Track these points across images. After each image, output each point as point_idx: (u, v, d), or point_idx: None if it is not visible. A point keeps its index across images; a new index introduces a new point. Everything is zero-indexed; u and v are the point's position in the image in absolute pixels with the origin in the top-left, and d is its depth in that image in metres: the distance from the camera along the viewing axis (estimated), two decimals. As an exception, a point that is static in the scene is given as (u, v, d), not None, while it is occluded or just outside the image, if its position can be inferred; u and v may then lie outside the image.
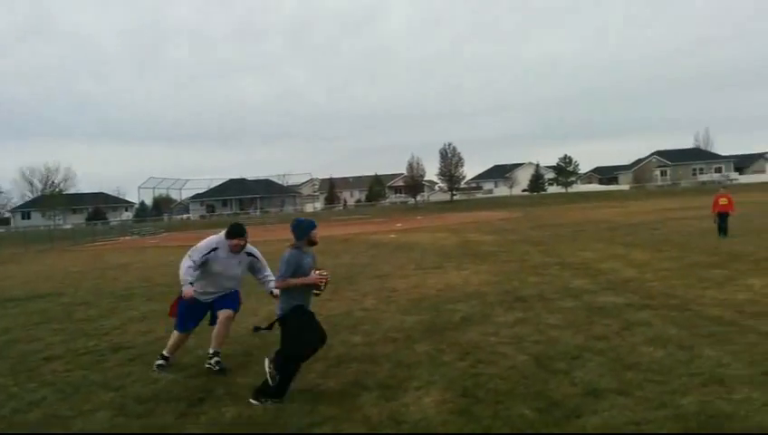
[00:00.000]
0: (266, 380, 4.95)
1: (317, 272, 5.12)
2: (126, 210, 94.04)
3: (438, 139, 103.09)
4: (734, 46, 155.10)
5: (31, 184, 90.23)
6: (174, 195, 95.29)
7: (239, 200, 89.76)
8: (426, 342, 6.66)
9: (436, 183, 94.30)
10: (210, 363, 5.96)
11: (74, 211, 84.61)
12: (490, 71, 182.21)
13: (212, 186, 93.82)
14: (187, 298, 5.77)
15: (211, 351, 6.01)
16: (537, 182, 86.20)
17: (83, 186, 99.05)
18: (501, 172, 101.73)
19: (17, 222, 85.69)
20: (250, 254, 6.16)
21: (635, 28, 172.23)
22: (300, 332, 5.01)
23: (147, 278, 15.51)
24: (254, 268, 6.24)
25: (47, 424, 4.81)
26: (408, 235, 27.72)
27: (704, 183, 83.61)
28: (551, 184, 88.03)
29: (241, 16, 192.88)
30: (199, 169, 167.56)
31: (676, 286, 9.19)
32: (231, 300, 6.15)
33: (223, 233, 6.02)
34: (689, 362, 5.24)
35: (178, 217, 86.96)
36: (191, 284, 5.78)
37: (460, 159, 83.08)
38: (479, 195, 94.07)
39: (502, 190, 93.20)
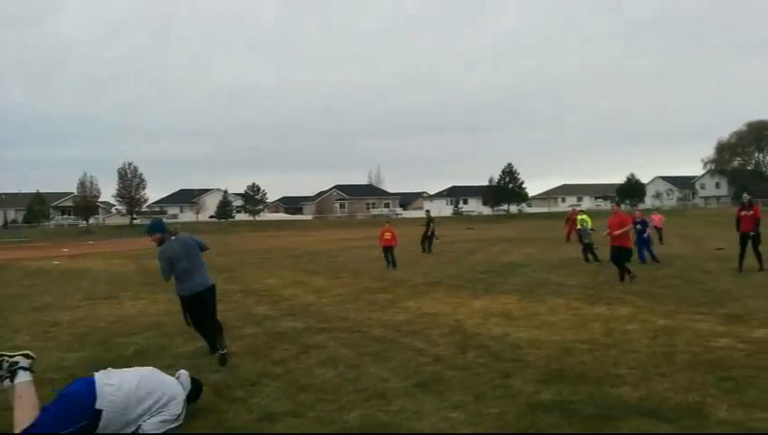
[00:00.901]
0: None
1: None
2: None
3: (114, 157, 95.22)
4: (398, 98, 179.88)
5: None
6: None
7: None
8: (90, 381, 5.92)
9: (114, 205, 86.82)
10: None
11: None
12: (176, 91, 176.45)
13: None
14: None
15: None
16: (225, 209, 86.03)
17: None
18: (187, 197, 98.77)
19: None
20: None
21: (315, 71, 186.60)
22: None
23: None
24: None
25: None
26: (76, 261, 24.76)
27: (375, 216, 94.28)
28: (239, 211, 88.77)
29: None
30: None
31: (349, 310, 10.01)
32: None
33: None
34: (356, 380, 5.70)
35: None
36: None
37: (142, 180, 78.33)
38: (163, 220, 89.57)
39: (188, 216, 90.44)
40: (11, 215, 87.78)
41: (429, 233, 24.01)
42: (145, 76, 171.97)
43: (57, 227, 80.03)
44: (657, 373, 5.48)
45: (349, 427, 4.47)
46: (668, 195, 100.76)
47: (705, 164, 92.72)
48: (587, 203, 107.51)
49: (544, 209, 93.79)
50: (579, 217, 23.50)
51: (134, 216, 79.46)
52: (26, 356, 4.33)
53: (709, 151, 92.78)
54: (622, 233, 12.13)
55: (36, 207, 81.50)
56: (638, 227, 16.44)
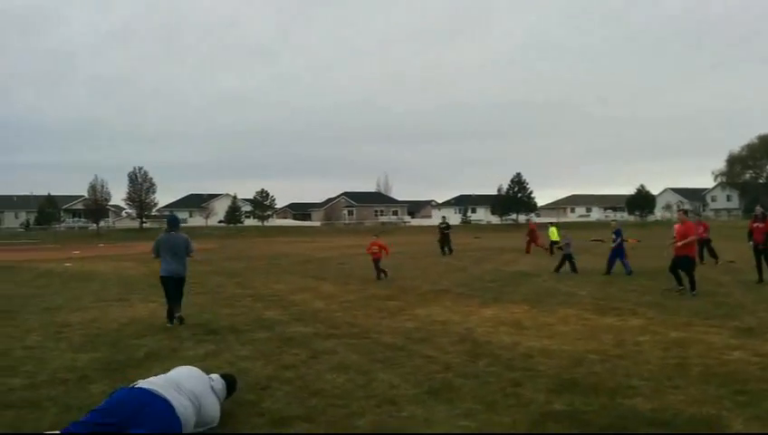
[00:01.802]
0: None
1: None
2: None
3: (125, 162, 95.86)
4: (407, 105, 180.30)
5: None
6: None
7: None
8: (103, 381, 5.95)
9: (124, 209, 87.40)
10: None
11: None
12: (184, 96, 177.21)
13: None
14: None
15: None
16: (234, 214, 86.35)
17: None
18: (197, 202, 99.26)
19: None
20: None
21: (324, 78, 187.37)
22: None
23: None
24: None
25: None
26: (86, 263, 24.92)
27: (383, 223, 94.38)
28: (247, 217, 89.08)
29: None
30: None
31: (358, 316, 10.01)
32: None
33: None
34: (366, 386, 5.69)
35: None
36: None
37: (152, 184, 78.88)
38: (179, 218, 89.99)
39: (197, 220, 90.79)
40: (22, 217, 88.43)
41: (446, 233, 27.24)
42: (152, 82, 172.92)
43: (68, 229, 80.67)
44: (670, 385, 5.44)
45: (360, 432, 4.47)
46: (679, 207, 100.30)
47: (716, 177, 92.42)
48: (596, 214, 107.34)
49: (553, 219, 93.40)
50: (550, 228, 24.84)
51: (144, 219, 79.91)
52: None
53: (720, 164, 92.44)
54: (686, 243, 11.94)
55: (47, 209, 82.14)
56: (613, 237, 16.95)
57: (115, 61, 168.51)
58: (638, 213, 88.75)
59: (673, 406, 4.86)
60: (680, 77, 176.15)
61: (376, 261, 16.84)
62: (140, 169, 78.78)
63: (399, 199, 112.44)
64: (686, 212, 13.22)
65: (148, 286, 15.30)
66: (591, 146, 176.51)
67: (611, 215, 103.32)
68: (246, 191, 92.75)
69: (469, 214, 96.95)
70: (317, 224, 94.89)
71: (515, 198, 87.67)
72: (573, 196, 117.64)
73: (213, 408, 4.64)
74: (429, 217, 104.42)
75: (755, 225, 13.59)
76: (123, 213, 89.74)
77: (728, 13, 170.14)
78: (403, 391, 5.47)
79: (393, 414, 4.85)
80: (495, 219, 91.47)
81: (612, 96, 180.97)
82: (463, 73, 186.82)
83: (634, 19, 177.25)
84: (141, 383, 4.39)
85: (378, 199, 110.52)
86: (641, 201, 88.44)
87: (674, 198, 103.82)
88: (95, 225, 77.35)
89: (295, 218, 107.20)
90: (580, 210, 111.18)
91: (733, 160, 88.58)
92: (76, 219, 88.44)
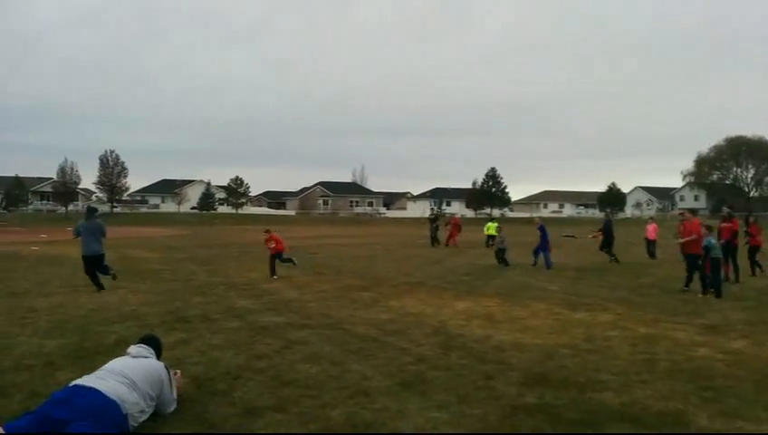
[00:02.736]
0: None
1: None
2: None
3: (96, 145, 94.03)
4: (385, 98, 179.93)
5: None
6: None
7: None
8: (70, 368, 5.83)
9: (94, 192, 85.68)
10: None
11: None
12: (158, 82, 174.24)
13: None
14: None
15: None
16: (207, 201, 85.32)
17: None
18: (170, 187, 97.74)
19: None
20: None
21: (304, 67, 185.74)
22: None
23: None
24: None
25: None
26: (55, 247, 24.39)
27: (358, 214, 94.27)
28: (221, 204, 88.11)
29: None
30: None
31: (332, 307, 9.98)
32: None
33: None
34: (339, 377, 5.67)
35: None
36: None
37: (123, 168, 77.49)
38: (144, 209, 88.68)
39: (170, 206, 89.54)
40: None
41: (435, 227, 28.09)
42: (127, 66, 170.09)
43: (35, 212, 78.78)
44: (638, 380, 5.53)
45: (332, 424, 4.45)
46: (648, 205, 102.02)
47: (685, 176, 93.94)
48: (568, 210, 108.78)
49: (526, 214, 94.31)
50: (489, 224, 26.20)
51: (114, 204, 78.52)
52: None
53: (689, 164, 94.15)
54: (690, 240, 12.07)
55: (15, 191, 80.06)
56: (540, 233, 17.80)
57: (90, 43, 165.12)
58: (608, 210, 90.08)
59: (641, 401, 4.94)
60: (655, 77, 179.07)
61: (273, 257, 15.16)
62: (112, 152, 77.43)
63: (375, 190, 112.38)
64: (692, 211, 13.52)
65: (118, 272, 15.03)
66: (565, 143, 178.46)
67: (583, 211, 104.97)
68: (221, 178, 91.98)
69: (444, 207, 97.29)
70: (292, 213, 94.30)
71: (490, 193, 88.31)
72: (546, 192, 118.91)
73: (150, 371, 4.54)
74: (404, 208, 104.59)
75: (723, 225, 13.94)
76: (93, 197, 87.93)
77: (705, 18, 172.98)
78: (376, 383, 5.47)
79: (366, 406, 4.83)
80: (470, 213, 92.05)
81: (586, 94, 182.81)
82: (442, 69, 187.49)
83: (612, 19, 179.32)
84: (74, 381, 4.31)
85: (353, 190, 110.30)
86: (612, 199, 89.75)
87: (643, 197, 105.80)
88: (64, 208, 75.74)
89: (270, 207, 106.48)
90: (553, 206, 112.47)
91: (701, 161, 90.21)
92: (44, 202, 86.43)
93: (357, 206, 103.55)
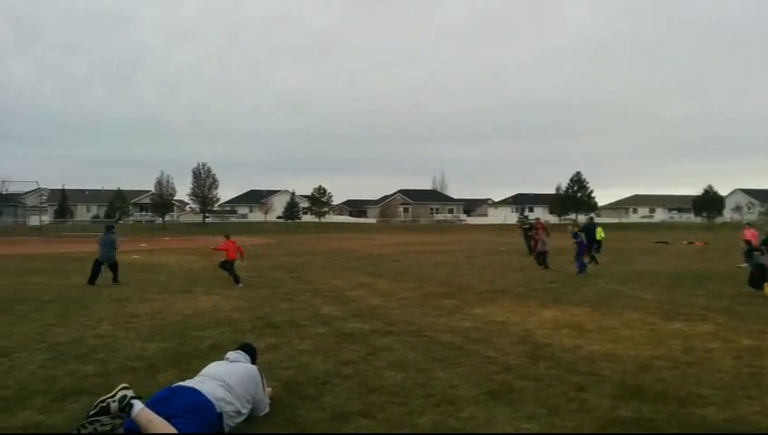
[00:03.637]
0: None
1: None
2: None
3: (188, 157, 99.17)
4: (463, 103, 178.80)
5: None
6: None
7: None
8: (170, 370, 6.16)
9: (188, 204, 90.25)
10: None
11: None
12: (240, 94, 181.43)
13: None
14: None
15: None
16: (292, 210, 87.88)
17: None
18: (257, 198, 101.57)
19: None
20: None
21: (381, 75, 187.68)
22: None
23: None
24: None
25: None
26: (153, 256, 25.87)
27: (438, 221, 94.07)
28: (305, 213, 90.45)
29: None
30: None
31: (415, 314, 9.99)
32: None
33: None
34: (425, 384, 5.66)
35: None
36: None
37: (215, 180, 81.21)
38: (233, 219, 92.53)
39: (257, 216, 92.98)
40: (93, 210, 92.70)
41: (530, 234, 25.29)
42: (213, 81, 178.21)
43: (135, 223, 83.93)
44: (744, 395, 5.18)
45: (420, 431, 4.45)
46: (749, 208, 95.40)
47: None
48: (660, 214, 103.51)
49: (615, 220, 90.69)
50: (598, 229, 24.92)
51: (206, 214, 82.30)
52: (126, 388, 4.36)
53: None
54: None
55: (117, 203, 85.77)
56: (575, 240, 17.86)
57: (180, 59, 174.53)
58: (705, 214, 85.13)
59: (748, 417, 4.62)
60: (753, 75, 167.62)
61: (231, 262, 15.15)
62: (204, 165, 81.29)
63: (455, 197, 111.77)
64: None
65: (211, 280, 15.76)
66: (656, 145, 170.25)
67: (676, 216, 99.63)
68: (304, 187, 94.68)
69: (526, 213, 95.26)
70: (372, 221, 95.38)
71: (575, 198, 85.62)
72: (636, 196, 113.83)
73: (246, 375, 4.75)
74: (485, 215, 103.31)
75: None
76: (187, 207, 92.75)
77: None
78: (462, 392, 5.42)
79: (453, 414, 4.80)
80: (554, 219, 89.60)
81: (678, 94, 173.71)
82: (521, 71, 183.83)
83: (702, 14, 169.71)
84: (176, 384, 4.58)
85: (433, 197, 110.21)
86: (708, 202, 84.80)
87: (744, 200, 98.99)
88: (161, 219, 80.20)
89: (351, 215, 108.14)
90: (644, 211, 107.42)
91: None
92: (143, 213, 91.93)
93: (437, 213, 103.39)
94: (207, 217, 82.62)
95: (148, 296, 12.33)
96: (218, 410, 4.26)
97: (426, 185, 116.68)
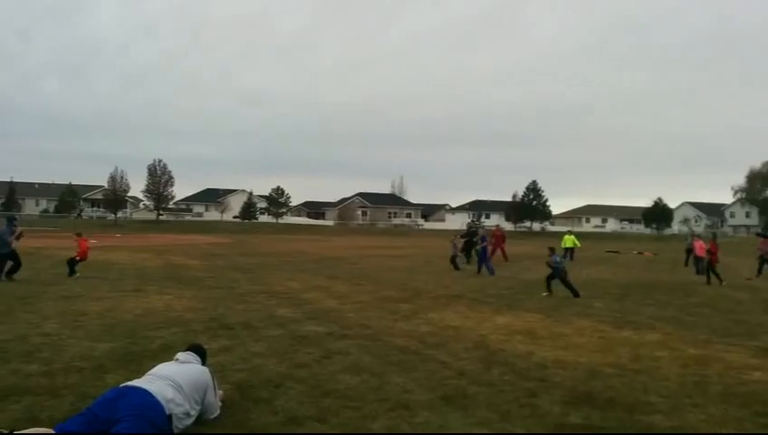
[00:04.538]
0: None
1: None
2: None
3: (144, 154, 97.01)
4: (423, 109, 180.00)
5: None
6: None
7: None
8: (118, 371, 5.97)
9: (142, 200, 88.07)
10: None
11: None
12: (203, 93, 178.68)
13: None
14: None
15: None
16: (249, 210, 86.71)
17: None
18: (213, 196, 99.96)
19: None
20: None
21: (344, 78, 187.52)
22: None
23: None
24: None
25: None
26: (104, 253, 25.12)
27: (396, 225, 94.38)
28: (262, 213, 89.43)
29: None
30: None
31: (371, 317, 9.98)
32: None
33: None
34: (380, 389, 5.65)
35: None
36: None
37: (170, 177, 79.53)
38: (188, 217, 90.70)
39: (213, 215, 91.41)
40: (43, 204, 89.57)
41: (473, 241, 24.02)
42: (173, 77, 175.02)
43: (86, 218, 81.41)
44: (689, 404, 5.34)
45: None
46: (696, 221, 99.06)
47: (736, 192, 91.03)
48: (612, 225, 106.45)
49: (568, 228, 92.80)
50: (566, 236, 26.30)
51: (161, 212, 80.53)
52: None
53: (740, 180, 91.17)
54: None
55: (68, 198, 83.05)
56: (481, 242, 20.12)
57: (140, 54, 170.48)
58: (654, 226, 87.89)
59: (693, 425, 4.77)
60: (703, 91, 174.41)
61: (75, 261, 15.62)
62: (160, 161, 79.55)
63: (414, 202, 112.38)
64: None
65: (164, 278, 15.41)
66: (609, 156, 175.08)
67: (627, 226, 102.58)
68: (262, 188, 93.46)
69: (483, 219, 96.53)
70: (330, 223, 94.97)
71: (530, 206, 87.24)
72: (589, 205, 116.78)
73: (196, 376, 4.65)
74: (443, 220, 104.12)
75: None
76: (141, 204, 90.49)
77: (754, 29, 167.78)
78: (417, 396, 5.43)
79: (407, 419, 4.80)
80: (509, 226, 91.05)
81: (632, 107, 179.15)
82: (481, 79, 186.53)
83: (657, 31, 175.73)
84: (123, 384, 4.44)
85: (392, 201, 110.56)
86: (658, 214, 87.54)
87: (692, 213, 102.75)
88: (113, 215, 78.07)
89: (309, 217, 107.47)
90: (596, 220, 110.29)
91: (753, 177, 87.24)
92: (95, 209, 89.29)
93: (395, 217, 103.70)
94: (162, 215, 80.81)
95: (98, 294, 11.96)
96: (168, 412, 4.15)
97: (384, 189, 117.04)
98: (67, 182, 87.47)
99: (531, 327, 9.39)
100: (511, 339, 8.36)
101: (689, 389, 5.86)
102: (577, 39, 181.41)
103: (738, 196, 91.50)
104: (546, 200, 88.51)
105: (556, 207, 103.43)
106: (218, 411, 4.76)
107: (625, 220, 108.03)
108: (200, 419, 4.55)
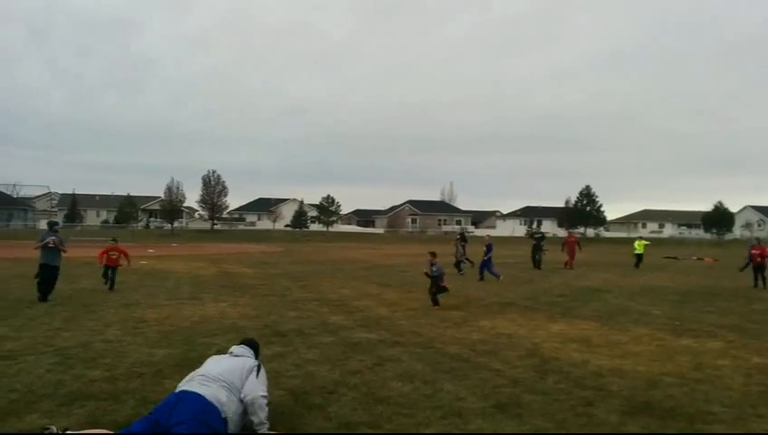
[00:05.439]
0: None
1: None
2: None
3: (198, 165, 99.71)
4: (473, 115, 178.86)
5: None
6: None
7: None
8: (177, 377, 6.11)
9: (197, 210, 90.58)
10: None
11: None
12: (251, 103, 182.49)
13: None
14: None
15: None
16: (300, 219, 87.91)
17: None
18: (265, 205, 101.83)
19: None
20: None
21: (392, 85, 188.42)
22: None
23: None
24: None
25: None
26: (161, 262, 25.95)
27: (446, 232, 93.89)
28: (313, 222, 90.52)
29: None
30: None
31: (422, 325, 9.97)
32: None
33: None
34: (432, 396, 5.65)
35: None
36: None
37: (224, 187, 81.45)
38: (241, 226, 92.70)
39: (265, 224, 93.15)
40: (103, 215, 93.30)
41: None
42: (227, 89, 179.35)
43: (144, 228, 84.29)
44: (753, 414, 5.14)
45: (426, 443, 4.44)
46: (759, 225, 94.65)
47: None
48: (669, 230, 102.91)
49: (623, 234, 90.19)
50: (638, 242, 25.52)
51: (215, 221, 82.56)
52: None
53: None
54: None
55: (126, 209, 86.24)
56: (484, 250, 20.10)
57: (195, 68, 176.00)
58: (714, 231, 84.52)
59: (759, 437, 4.58)
60: (765, 90, 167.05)
61: (111, 268, 15.07)
62: (213, 172, 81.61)
63: (464, 209, 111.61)
64: None
65: (219, 287, 15.81)
66: (666, 160, 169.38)
67: (686, 231, 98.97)
68: (313, 197, 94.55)
69: (535, 226, 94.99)
70: (380, 231, 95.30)
71: (584, 211, 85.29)
72: (645, 210, 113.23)
73: (244, 367, 4.76)
74: (494, 227, 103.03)
75: None
76: (196, 214, 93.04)
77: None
78: (469, 404, 5.40)
79: (460, 427, 4.79)
80: (562, 232, 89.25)
81: (689, 109, 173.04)
82: (531, 84, 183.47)
83: (711, 32, 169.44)
84: (180, 386, 4.58)
85: (442, 208, 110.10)
86: (718, 218, 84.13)
87: (754, 217, 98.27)
88: (170, 225, 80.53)
89: (359, 225, 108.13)
90: (653, 226, 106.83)
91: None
92: (152, 219, 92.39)
93: (445, 224, 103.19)
94: (216, 225, 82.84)
95: (156, 302, 12.37)
96: (223, 416, 4.28)
97: (434, 196, 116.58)
98: (126, 193, 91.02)
99: (586, 335, 9.19)
100: (565, 347, 8.21)
101: (753, 398, 5.63)
102: (625, 38, 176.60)
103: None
104: (600, 205, 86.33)
105: (611, 211, 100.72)
106: (265, 401, 4.59)
107: (683, 225, 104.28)
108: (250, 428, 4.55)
